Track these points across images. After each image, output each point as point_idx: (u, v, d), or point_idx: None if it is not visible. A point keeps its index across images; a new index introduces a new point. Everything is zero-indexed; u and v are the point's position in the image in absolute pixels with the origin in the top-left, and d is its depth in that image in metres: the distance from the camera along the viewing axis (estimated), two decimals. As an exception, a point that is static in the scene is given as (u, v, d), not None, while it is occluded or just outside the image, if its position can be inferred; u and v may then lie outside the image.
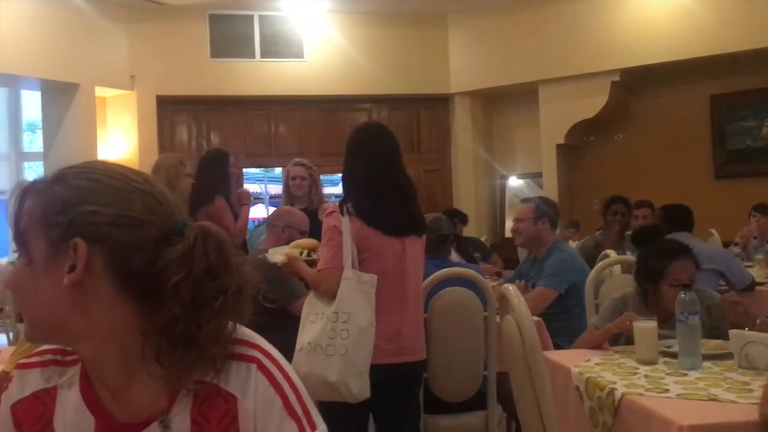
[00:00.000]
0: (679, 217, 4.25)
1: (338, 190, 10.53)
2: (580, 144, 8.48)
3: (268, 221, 3.54)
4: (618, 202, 5.18)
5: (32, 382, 1.00)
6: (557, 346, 3.22)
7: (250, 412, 0.93)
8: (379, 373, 2.38)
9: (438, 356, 2.74)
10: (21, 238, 0.93)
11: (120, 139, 8.29)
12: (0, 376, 2.11)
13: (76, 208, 0.91)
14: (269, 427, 0.93)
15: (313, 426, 0.95)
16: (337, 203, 2.52)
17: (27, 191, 0.94)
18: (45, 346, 1.03)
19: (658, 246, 2.62)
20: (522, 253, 6.48)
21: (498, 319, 2.75)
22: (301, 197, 4.36)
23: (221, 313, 0.92)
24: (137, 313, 0.92)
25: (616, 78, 7.80)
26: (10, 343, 5.68)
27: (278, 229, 3.35)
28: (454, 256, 4.26)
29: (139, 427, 0.94)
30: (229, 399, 0.93)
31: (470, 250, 5.53)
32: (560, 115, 8.10)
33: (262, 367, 0.95)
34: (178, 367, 0.91)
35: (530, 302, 3.37)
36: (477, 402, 2.93)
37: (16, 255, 0.94)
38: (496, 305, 2.88)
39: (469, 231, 6.48)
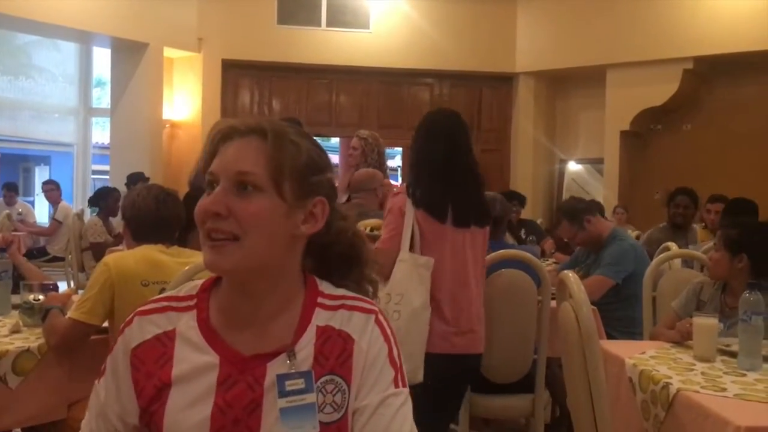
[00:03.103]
0: (744, 211, 4.10)
1: (394, 163, 10.55)
2: (645, 132, 8.26)
3: (358, 187, 3.61)
4: (682, 195, 5.02)
5: (152, 327, 1.09)
6: (609, 336, 3.17)
7: (364, 350, 1.07)
8: (436, 363, 2.38)
9: (489, 337, 2.73)
10: (278, 179, 1.03)
11: (184, 100, 8.45)
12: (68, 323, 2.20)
13: (324, 174, 1.09)
14: (374, 367, 1.06)
15: (404, 382, 1.09)
16: (405, 185, 2.50)
17: (285, 139, 1.06)
18: (159, 296, 1.13)
19: None
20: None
21: (553, 304, 2.73)
22: (357, 167, 4.35)
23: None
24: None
25: (689, 66, 7.55)
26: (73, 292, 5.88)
27: (374, 191, 3.52)
28: (507, 239, 4.22)
29: (268, 357, 1.05)
30: (348, 340, 1.07)
31: (522, 234, 5.48)
32: (627, 100, 7.90)
33: (377, 319, 1.09)
34: (344, 282, 1.13)
35: (585, 290, 3.33)
36: (524, 385, 2.92)
37: (251, 188, 1.02)
38: (551, 289, 2.86)
39: (525, 214, 6.41)
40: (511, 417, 3.15)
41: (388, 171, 4.60)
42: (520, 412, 2.98)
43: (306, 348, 1.05)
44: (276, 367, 1.04)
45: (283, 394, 1.02)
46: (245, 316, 1.07)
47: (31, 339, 2.25)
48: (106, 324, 2.27)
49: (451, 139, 2.50)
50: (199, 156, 4.19)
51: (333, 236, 1.12)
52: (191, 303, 1.10)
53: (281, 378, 1.02)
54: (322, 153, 1.10)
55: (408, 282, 2.37)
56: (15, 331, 2.33)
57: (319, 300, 1.09)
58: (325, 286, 1.12)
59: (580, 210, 3.63)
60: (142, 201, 2.37)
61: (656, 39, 7.59)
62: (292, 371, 1.03)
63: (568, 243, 6.37)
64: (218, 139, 1.06)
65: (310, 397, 1.02)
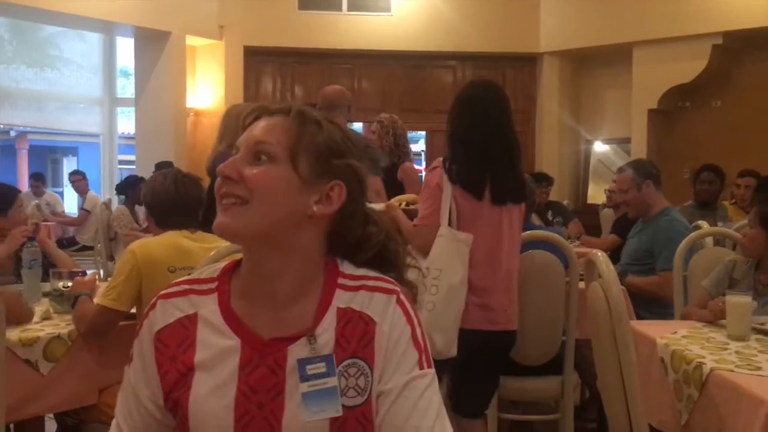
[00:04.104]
0: None
1: (418, 147, 10.50)
2: (673, 110, 8.10)
3: (327, 104, 3.61)
4: (707, 171, 4.97)
5: (174, 310, 1.09)
6: (639, 316, 3.13)
7: (386, 332, 1.04)
8: (472, 339, 2.38)
9: (518, 320, 2.70)
10: (295, 152, 1.04)
11: (207, 88, 8.47)
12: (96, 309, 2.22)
13: (346, 159, 1.07)
14: (397, 350, 1.04)
15: (429, 363, 1.06)
16: (441, 159, 2.48)
17: (308, 117, 1.07)
18: (180, 279, 1.13)
19: None
20: (605, 220, 6.33)
21: (582, 285, 2.69)
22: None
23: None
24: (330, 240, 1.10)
25: (718, 41, 7.37)
26: (100, 280, 5.96)
27: (346, 109, 3.58)
28: (533, 220, 4.18)
29: (288, 341, 1.04)
30: (369, 323, 1.05)
31: (549, 215, 5.44)
32: (654, 78, 7.74)
33: (399, 300, 1.07)
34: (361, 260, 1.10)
35: (657, 288, 3.26)
36: (552, 367, 2.89)
37: (264, 159, 1.03)
38: (579, 270, 2.82)
39: (551, 195, 6.35)
40: (540, 399, 3.12)
41: (411, 155, 4.58)
42: (549, 395, 2.96)
43: (327, 331, 1.04)
44: (297, 351, 1.03)
45: (304, 378, 1.01)
46: (264, 298, 1.06)
47: (62, 325, 2.28)
48: (134, 310, 2.29)
49: (487, 114, 2.46)
50: (214, 144, 4.20)
51: (362, 240, 1.11)
52: (212, 286, 1.09)
53: (302, 362, 1.02)
54: (348, 140, 1.09)
55: (446, 257, 2.37)
56: (46, 318, 2.36)
57: (340, 281, 1.08)
58: (345, 266, 1.10)
59: (651, 174, 3.51)
60: (160, 186, 2.38)
61: (684, 14, 7.42)
62: (313, 355, 1.02)
63: (595, 225, 6.31)
64: (250, 120, 1.08)
65: (332, 381, 1.01)
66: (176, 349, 1.06)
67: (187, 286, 1.10)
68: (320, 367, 1.01)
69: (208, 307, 1.07)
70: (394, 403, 1.02)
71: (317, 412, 1.00)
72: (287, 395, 1.02)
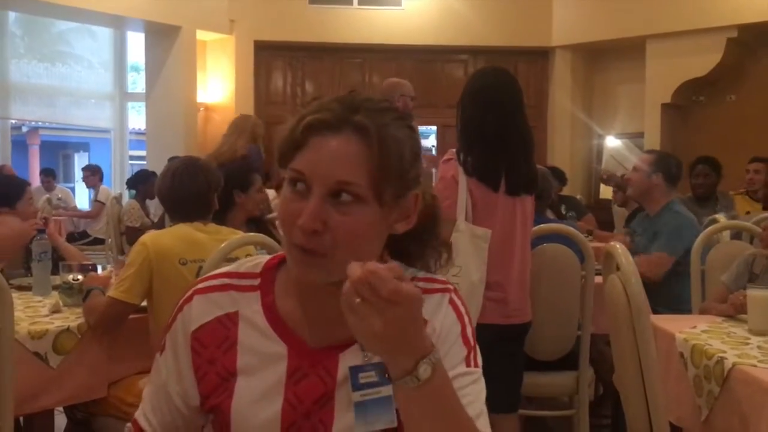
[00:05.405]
0: None
1: (429, 142, 10.46)
2: (687, 104, 8.02)
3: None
4: (703, 164, 4.90)
5: (213, 307, 1.02)
6: (655, 312, 3.07)
7: (437, 329, 0.99)
8: (487, 333, 2.34)
9: (531, 313, 2.67)
10: (381, 187, 0.92)
11: (218, 83, 8.45)
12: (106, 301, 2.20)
13: (419, 162, 0.97)
14: (444, 345, 0.98)
15: (476, 362, 1.01)
16: (454, 151, 2.43)
17: (386, 135, 0.92)
18: (218, 271, 1.06)
19: None
20: (617, 215, 6.27)
21: (598, 279, 2.64)
22: None
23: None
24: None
25: (733, 34, 7.28)
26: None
27: (393, 100, 3.61)
28: (548, 214, 4.13)
29: (339, 350, 0.99)
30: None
31: (562, 209, 5.39)
32: (668, 72, 7.66)
33: (451, 299, 1.03)
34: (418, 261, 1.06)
35: (645, 266, 3.21)
36: (567, 362, 2.86)
37: (348, 196, 0.90)
38: (594, 264, 2.78)
39: (563, 190, 6.30)
40: (554, 395, 3.09)
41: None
42: (564, 390, 2.93)
43: None
44: (348, 359, 0.98)
45: (356, 387, 0.95)
46: (316, 304, 0.99)
47: (71, 318, 2.26)
48: (144, 303, 2.27)
49: (501, 102, 2.42)
50: (227, 140, 4.24)
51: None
52: (254, 282, 1.03)
53: (354, 370, 0.96)
54: (417, 136, 0.98)
55: (467, 255, 2.33)
56: (55, 310, 2.35)
57: None
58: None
59: (668, 170, 3.43)
60: (162, 180, 2.40)
61: (698, 7, 7.33)
62: (366, 363, 0.96)
63: (607, 221, 6.25)
64: (304, 129, 0.93)
65: (386, 390, 0.94)
66: (216, 349, 1.00)
67: (227, 280, 1.03)
68: (372, 376, 0.96)
69: (251, 307, 1.01)
70: None
71: (371, 423, 0.94)
72: (337, 404, 0.97)
